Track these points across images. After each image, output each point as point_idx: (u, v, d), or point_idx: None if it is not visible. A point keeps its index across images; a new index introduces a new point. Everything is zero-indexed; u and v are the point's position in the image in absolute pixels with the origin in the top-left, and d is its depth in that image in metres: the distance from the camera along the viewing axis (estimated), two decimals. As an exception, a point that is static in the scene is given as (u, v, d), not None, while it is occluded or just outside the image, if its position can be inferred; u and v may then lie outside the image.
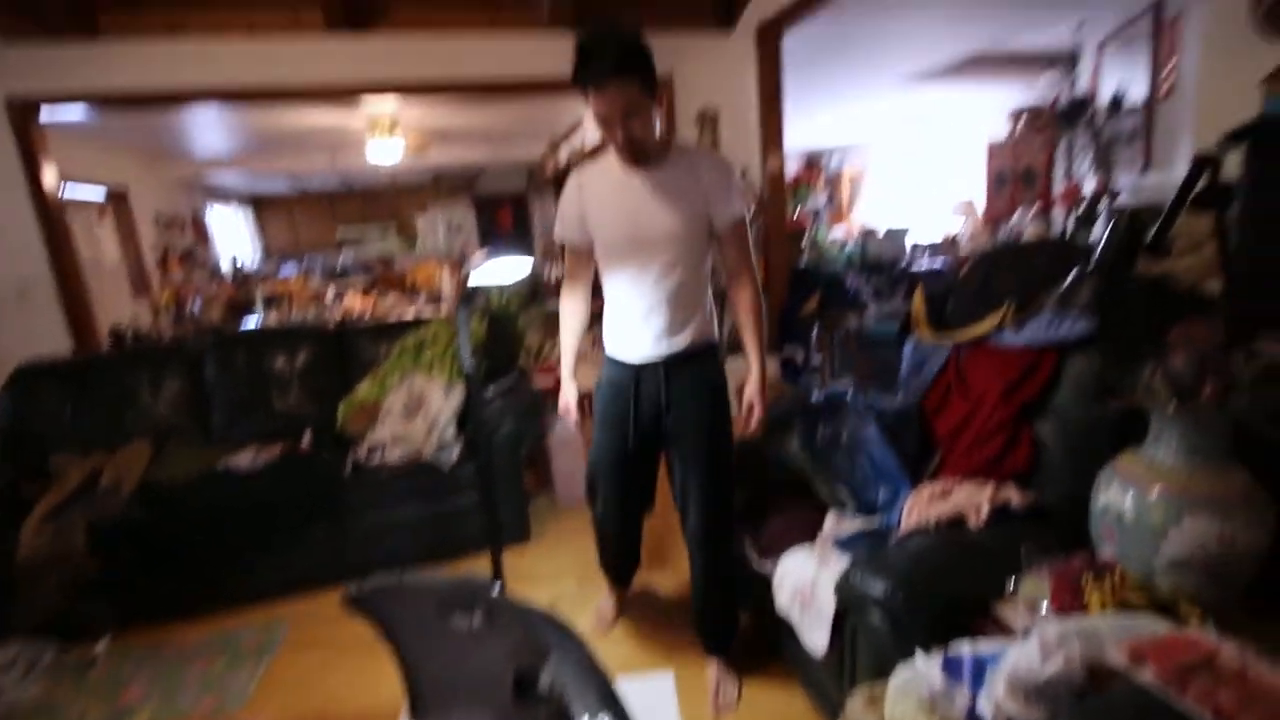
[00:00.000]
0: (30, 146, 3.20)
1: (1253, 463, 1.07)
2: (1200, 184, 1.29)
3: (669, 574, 2.36)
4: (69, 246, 3.40)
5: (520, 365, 3.18)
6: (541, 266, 6.32)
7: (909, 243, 6.25)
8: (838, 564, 1.48)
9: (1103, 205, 3.84)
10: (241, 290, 6.66)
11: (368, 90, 3.68)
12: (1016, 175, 5.61)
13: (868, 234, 6.41)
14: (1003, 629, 1.17)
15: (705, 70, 3.88)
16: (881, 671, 1.14)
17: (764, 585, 1.69)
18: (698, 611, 1.85)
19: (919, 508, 1.56)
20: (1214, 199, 1.38)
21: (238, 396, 2.92)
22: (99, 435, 2.67)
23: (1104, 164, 4.09)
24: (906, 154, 7.94)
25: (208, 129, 5.45)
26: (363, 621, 1.09)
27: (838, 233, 7.69)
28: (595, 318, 1.85)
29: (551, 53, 3.62)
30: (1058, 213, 4.90)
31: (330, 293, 6.49)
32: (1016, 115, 5.63)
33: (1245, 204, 1.32)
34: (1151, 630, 0.95)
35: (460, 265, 7.57)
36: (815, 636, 1.49)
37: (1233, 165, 1.38)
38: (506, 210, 10.02)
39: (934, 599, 1.26)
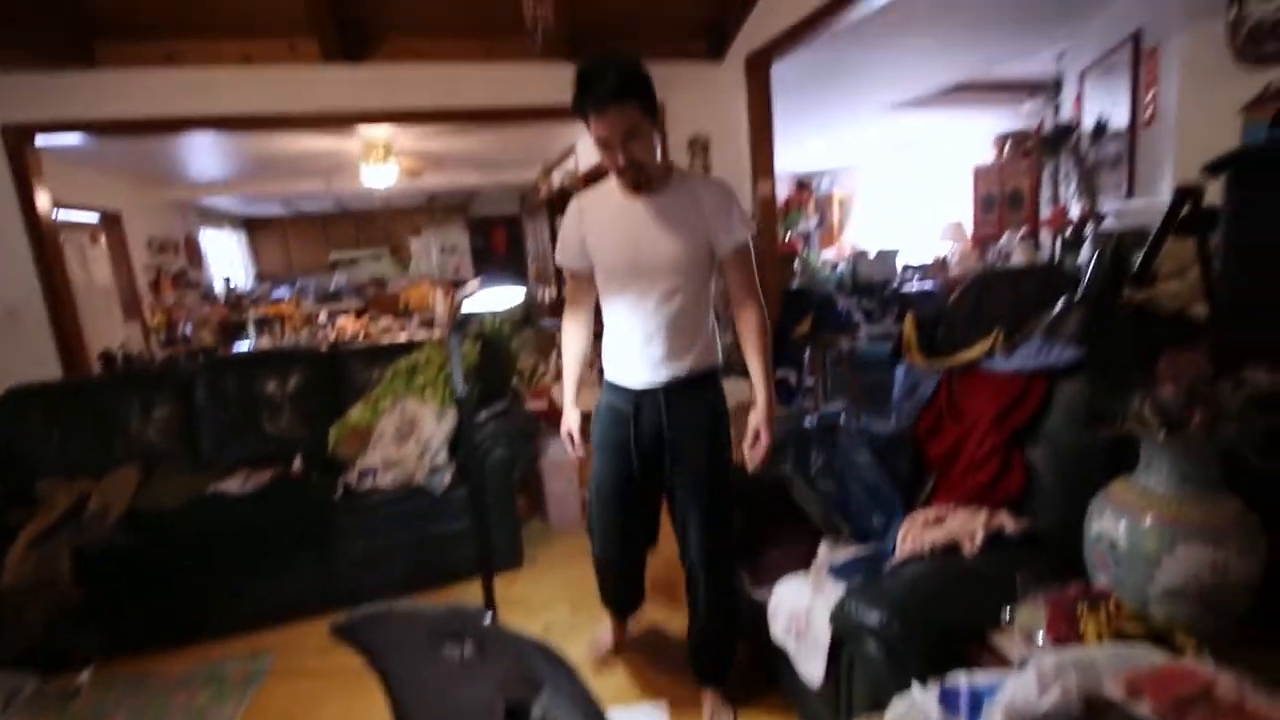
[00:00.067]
0: (24, 171, 3.21)
1: (1242, 491, 1.08)
2: (1183, 212, 1.32)
3: (676, 609, 2.27)
4: (61, 270, 3.40)
5: (513, 387, 3.18)
6: (535, 289, 6.35)
7: (899, 264, 6.31)
8: (832, 592, 1.47)
9: (1089, 229, 3.90)
10: (234, 312, 6.65)
11: (364, 119, 3.72)
12: (1003, 198, 5.70)
13: (858, 255, 6.47)
14: (999, 659, 1.16)
15: (696, 98, 3.94)
16: (878, 703, 1.12)
17: (759, 613, 1.68)
18: (695, 641, 1.82)
19: (913, 534, 1.56)
20: (1197, 224, 1.40)
21: (228, 420, 2.90)
22: (87, 460, 2.65)
23: (1089, 189, 4.16)
24: (896, 176, 8.06)
25: (202, 154, 5.48)
26: (351, 651, 1.07)
27: (829, 254, 7.76)
28: (597, 337, 1.83)
29: (544, 82, 3.67)
30: (1045, 236, 4.97)
31: (323, 315, 6.48)
32: (1001, 140, 5.74)
33: (1227, 234, 1.35)
34: (1148, 661, 0.95)
35: (454, 286, 7.59)
36: (811, 666, 1.48)
37: (1215, 190, 1.41)
38: (500, 232, 10.08)
39: (929, 627, 1.25)
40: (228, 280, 8.14)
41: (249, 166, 6.11)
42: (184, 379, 2.93)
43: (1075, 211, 4.31)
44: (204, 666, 2.19)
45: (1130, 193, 3.71)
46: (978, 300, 1.87)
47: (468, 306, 1.79)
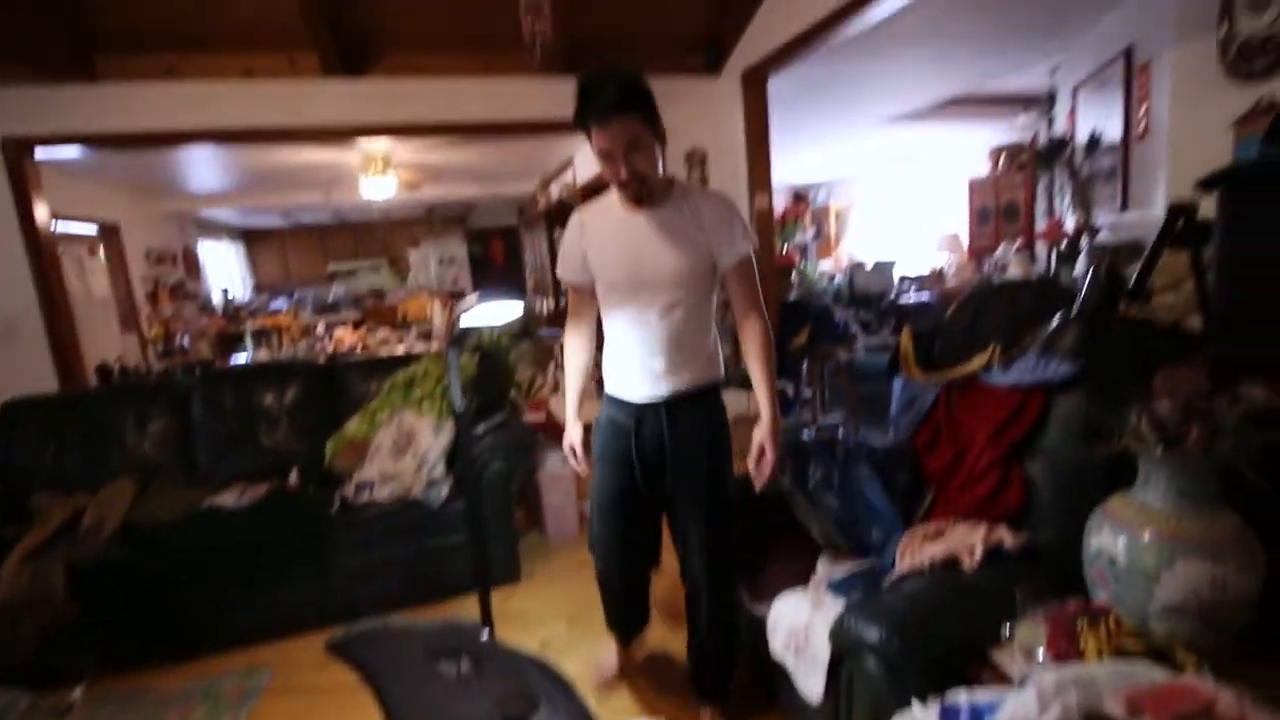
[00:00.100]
0: (23, 184, 3.22)
1: (1239, 507, 1.08)
2: (1177, 228, 1.33)
3: (678, 627, 2.18)
4: (58, 283, 3.40)
5: (511, 399, 3.17)
6: (533, 300, 6.36)
7: (896, 275, 6.33)
8: (832, 608, 1.47)
9: (1084, 242, 3.93)
10: (231, 324, 6.64)
11: (363, 133, 3.74)
12: (999, 210, 5.74)
13: (855, 266, 6.49)
14: (999, 676, 1.16)
15: (693, 112, 3.98)
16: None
17: (758, 629, 1.67)
18: (695, 658, 1.80)
19: (912, 549, 1.55)
20: (1191, 238, 1.41)
21: (224, 433, 2.89)
22: (83, 473, 2.64)
23: (1083, 201, 4.19)
24: (892, 187, 8.11)
25: (202, 166, 5.50)
26: (347, 668, 1.06)
27: (826, 265, 7.79)
28: (598, 349, 1.82)
29: (543, 96, 3.70)
30: (1040, 248, 5.00)
31: (321, 327, 6.48)
32: (996, 153, 5.78)
33: (1221, 249, 1.36)
34: (1149, 678, 0.95)
35: (452, 298, 7.60)
36: (810, 683, 1.47)
37: (1209, 203, 1.42)
38: (498, 243, 10.11)
39: (929, 644, 1.24)
40: (225, 291, 8.15)
41: (248, 179, 6.12)
42: (180, 392, 2.93)
43: (1070, 224, 4.34)
44: (199, 683, 2.17)
45: (1125, 205, 3.74)
46: (974, 314, 1.87)
47: (466, 321, 1.79)
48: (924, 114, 5.49)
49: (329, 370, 3.16)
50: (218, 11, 3.17)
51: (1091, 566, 1.19)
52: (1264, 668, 1.07)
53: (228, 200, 7.01)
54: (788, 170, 7.30)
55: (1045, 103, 4.76)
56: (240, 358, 5.65)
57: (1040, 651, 1.10)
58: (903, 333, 2.05)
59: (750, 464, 1.62)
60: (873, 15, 2.95)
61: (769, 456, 1.58)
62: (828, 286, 6.17)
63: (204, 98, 3.32)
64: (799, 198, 9.12)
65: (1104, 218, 3.96)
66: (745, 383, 1.87)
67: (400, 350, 5.25)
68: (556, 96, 3.58)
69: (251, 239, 9.41)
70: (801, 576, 1.70)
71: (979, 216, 6.03)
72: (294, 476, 2.74)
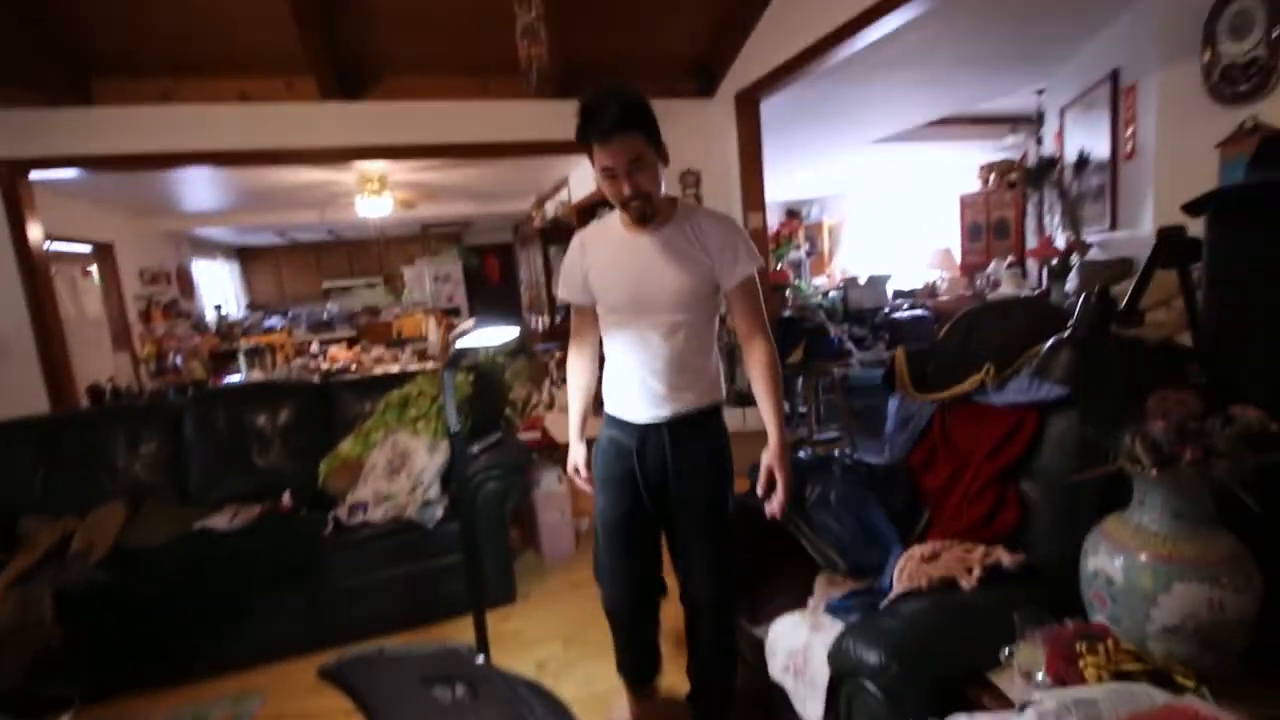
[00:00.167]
0: (17, 205, 3.22)
1: (1234, 528, 1.09)
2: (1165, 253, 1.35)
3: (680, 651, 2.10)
4: (51, 302, 3.39)
5: (506, 418, 3.17)
6: (527, 317, 6.37)
7: (890, 290, 6.38)
8: (830, 630, 1.46)
9: (1074, 259, 3.97)
10: (225, 342, 6.62)
11: (360, 155, 3.76)
12: (990, 227, 5.80)
13: (849, 281, 6.54)
14: (999, 699, 1.15)
15: (687, 133, 4.02)
16: (879, 745, 1.11)
17: (757, 651, 1.66)
18: (696, 681, 1.78)
19: (910, 569, 1.55)
20: (1179, 256, 1.42)
21: (217, 455, 2.86)
22: (73, 496, 2.61)
23: (1073, 220, 4.24)
24: (884, 203, 8.19)
25: (197, 186, 5.52)
26: (340, 694, 1.05)
27: (820, 280, 7.84)
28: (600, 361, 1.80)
29: (539, 118, 3.74)
30: (1032, 264, 5.06)
31: (315, 345, 6.46)
32: (986, 169, 5.86)
33: (1209, 270, 1.37)
34: (1149, 701, 0.94)
35: (446, 315, 7.60)
36: (810, 707, 1.46)
37: (1197, 224, 1.44)
38: (493, 260, 10.14)
39: (929, 665, 1.24)
40: (219, 308, 8.12)
41: (243, 198, 6.14)
42: (172, 413, 2.90)
43: (1061, 241, 4.39)
44: (190, 709, 2.14)
45: (1114, 224, 3.79)
46: (967, 333, 1.88)
47: (462, 343, 1.79)
48: (914, 133, 5.58)
49: (323, 390, 3.14)
50: (214, 37, 3.20)
51: (1089, 587, 1.19)
52: (1265, 689, 1.07)
53: (223, 219, 7.02)
54: (780, 187, 7.37)
55: (1034, 122, 4.84)
56: (234, 377, 5.63)
57: (1040, 674, 1.10)
58: (897, 352, 2.06)
59: (760, 489, 1.59)
60: (861, 41, 3.01)
61: (780, 483, 1.55)
62: (822, 302, 6.20)
63: (200, 120, 3.34)
64: (792, 214, 9.19)
65: (1093, 235, 4.01)
66: (740, 399, 1.87)
67: (395, 368, 5.23)
68: (552, 118, 3.61)
69: (246, 256, 9.41)
70: (799, 597, 1.69)
71: (970, 232, 6.09)
72: (287, 498, 2.71)
